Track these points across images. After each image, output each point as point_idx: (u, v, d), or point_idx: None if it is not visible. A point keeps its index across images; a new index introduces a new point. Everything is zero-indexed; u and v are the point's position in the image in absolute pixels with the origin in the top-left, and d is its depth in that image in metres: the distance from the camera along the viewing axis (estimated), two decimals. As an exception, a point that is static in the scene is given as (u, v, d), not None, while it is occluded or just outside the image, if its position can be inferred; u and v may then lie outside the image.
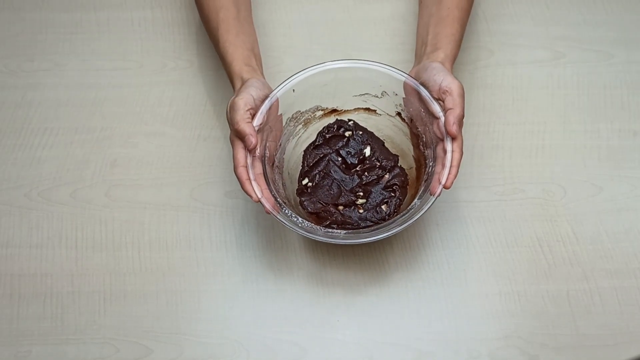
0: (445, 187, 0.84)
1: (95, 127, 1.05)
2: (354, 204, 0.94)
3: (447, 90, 0.87)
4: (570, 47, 1.10)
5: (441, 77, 0.88)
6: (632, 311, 0.92)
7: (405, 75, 0.91)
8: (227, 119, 0.89)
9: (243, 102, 0.87)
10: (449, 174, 0.85)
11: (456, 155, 0.85)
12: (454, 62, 0.94)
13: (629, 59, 1.09)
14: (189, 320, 0.93)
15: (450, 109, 0.86)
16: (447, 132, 0.85)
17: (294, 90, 0.91)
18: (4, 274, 0.96)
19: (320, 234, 0.87)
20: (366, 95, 0.96)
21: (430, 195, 0.85)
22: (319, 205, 0.93)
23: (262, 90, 0.90)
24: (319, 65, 0.92)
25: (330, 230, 0.88)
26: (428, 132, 0.90)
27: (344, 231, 0.88)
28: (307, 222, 0.87)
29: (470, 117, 1.04)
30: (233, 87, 0.94)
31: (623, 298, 0.93)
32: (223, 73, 1.00)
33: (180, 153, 1.03)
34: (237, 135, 0.87)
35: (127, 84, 1.08)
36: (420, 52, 0.96)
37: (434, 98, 0.88)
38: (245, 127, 0.86)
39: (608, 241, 0.96)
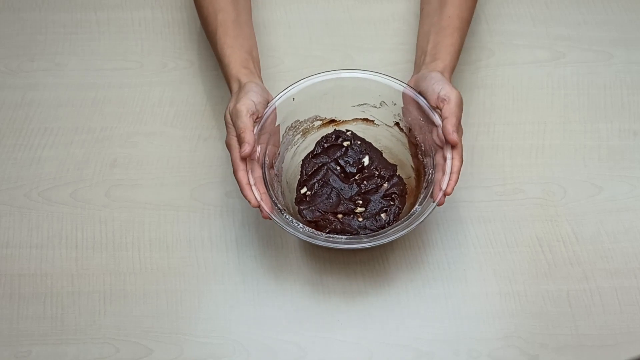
0: (446, 193, 0.85)
1: (95, 127, 1.05)
2: (353, 212, 0.93)
3: (445, 99, 0.87)
4: (570, 47, 1.10)
5: (440, 85, 0.88)
6: (632, 311, 0.92)
7: (404, 85, 0.91)
8: (226, 123, 0.89)
9: (245, 108, 0.87)
10: (449, 180, 0.85)
11: (456, 162, 0.86)
12: (453, 72, 0.94)
13: (629, 59, 1.09)
14: (189, 320, 0.93)
15: (446, 117, 0.86)
16: (447, 140, 0.85)
17: (293, 98, 0.92)
18: (4, 274, 0.96)
19: (322, 239, 0.87)
20: (365, 106, 0.96)
21: (432, 201, 0.85)
22: (318, 213, 0.93)
23: (262, 95, 0.90)
24: (319, 74, 0.92)
25: (331, 235, 0.88)
26: (427, 140, 0.90)
27: (345, 236, 0.88)
28: (307, 227, 0.87)
29: (470, 117, 1.04)
30: (230, 89, 0.94)
31: (623, 298, 0.93)
32: (223, 73, 1.00)
33: (180, 153, 1.03)
34: (239, 141, 0.87)
35: (127, 84, 1.08)
36: (420, 61, 0.96)
37: (431, 107, 0.88)
38: (247, 135, 0.86)
39: (608, 241, 0.96)
